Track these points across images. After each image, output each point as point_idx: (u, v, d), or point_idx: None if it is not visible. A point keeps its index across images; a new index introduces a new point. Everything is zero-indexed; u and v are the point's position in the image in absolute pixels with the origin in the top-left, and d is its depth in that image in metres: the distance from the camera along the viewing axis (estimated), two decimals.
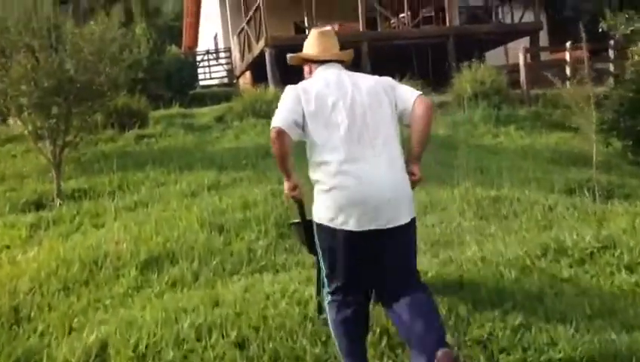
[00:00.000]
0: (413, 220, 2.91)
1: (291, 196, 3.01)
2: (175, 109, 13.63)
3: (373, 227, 2.77)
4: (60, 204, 7.31)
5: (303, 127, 2.87)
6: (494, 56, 18.57)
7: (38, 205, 7.85)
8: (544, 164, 8.85)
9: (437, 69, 16.79)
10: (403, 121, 3.01)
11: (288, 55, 3.27)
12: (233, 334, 3.29)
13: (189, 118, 12.96)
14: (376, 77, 3.10)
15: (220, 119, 12.90)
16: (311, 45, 3.19)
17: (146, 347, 3.28)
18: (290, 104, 2.88)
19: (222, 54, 24.30)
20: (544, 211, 5.80)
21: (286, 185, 2.99)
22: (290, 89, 2.98)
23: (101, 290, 4.41)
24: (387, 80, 3.08)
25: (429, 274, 4.04)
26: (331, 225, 2.81)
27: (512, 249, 4.53)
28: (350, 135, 2.81)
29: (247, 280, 4.30)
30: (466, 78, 13.17)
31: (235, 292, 3.97)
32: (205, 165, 8.80)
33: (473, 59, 14.32)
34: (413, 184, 2.99)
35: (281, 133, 2.80)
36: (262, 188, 6.58)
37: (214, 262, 4.66)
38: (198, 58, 23.67)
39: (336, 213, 2.79)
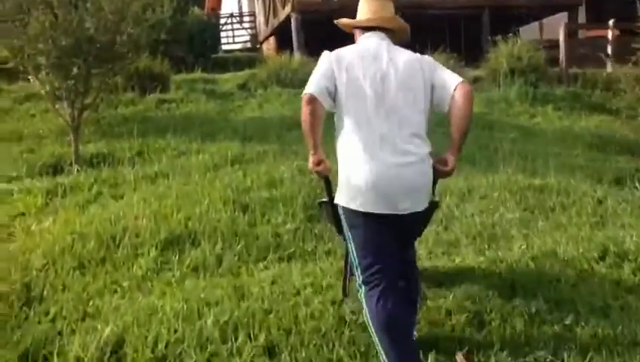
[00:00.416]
0: (426, 210, 2.79)
1: (316, 171, 2.79)
2: (197, 74, 13.21)
3: (389, 211, 2.65)
4: (77, 170, 7.01)
5: (334, 97, 2.72)
6: (528, 32, 17.83)
7: (56, 169, 7.56)
8: (585, 149, 8.34)
9: (470, 42, 16.14)
10: (441, 107, 2.80)
11: (336, 21, 3.08)
12: (262, 337, 2.96)
13: (211, 84, 12.55)
14: (418, 55, 2.88)
15: (242, 86, 12.47)
16: (359, 10, 2.98)
17: (166, 346, 2.95)
18: (323, 71, 2.74)
19: (246, 18, 23.78)
20: (594, 204, 5.37)
21: (311, 159, 2.77)
22: (325, 55, 2.82)
23: (119, 271, 4.10)
24: (429, 60, 2.87)
25: (476, 273, 3.68)
26: (351, 206, 2.69)
27: (565, 248, 4.14)
28: (377, 112, 2.67)
29: (275, 269, 3.97)
30: (502, 53, 12.57)
31: (262, 284, 3.64)
32: (228, 135, 8.43)
33: (508, 34, 13.72)
34: (444, 174, 2.77)
35: (312, 100, 2.65)
36: (288, 165, 6.21)
37: (239, 247, 4.33)
38: (222, 21, 23.14)
39: (353, 195, 2.68)
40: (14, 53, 7.23)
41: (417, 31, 14.76)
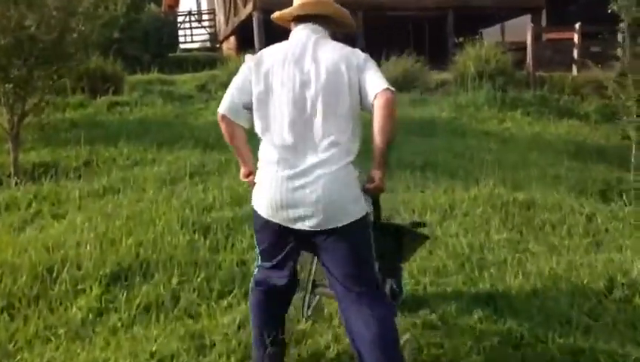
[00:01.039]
0: (353, 224, 2.40)
1: (249, 183, 2.61)
2: (153, 75, 12.49)
3: (299, 227, 2.42)
4: (16, 183, 6.29)
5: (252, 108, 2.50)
6: (491, 35, 17.66)
7: None
8: (561, 157, 8.02)
9: (435, 44, 15.87)
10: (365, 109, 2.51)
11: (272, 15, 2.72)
12: None
13: (168, 85, 11.87)
14: (349, 51, 2.51)
15: (202, 88, 11.85)
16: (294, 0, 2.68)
17: None
18: (240, 82, 2.54)
19: (205, 16, 23.01)
20: (584, 222, 5.00)
21: (242, 171, 2.66)
22: (246, 61, 2.58)
23: (55, 313, 3.47)
24: (359, 58, 2.48)
25: (470, 321, 3.20)
26: (262, 214, 2.49)
27: (565, 278, 3.72)
28: (291, 124, 2.41)
29: (241, 308, 3.41)
30: (469, 56, 12.26)
31: (226, 331, 3.09)
32: (187, 143, 7.80)
33: (473, 36, 13.44)
34: (372, 191, 2.46)
35: (224, 119, 2.52)
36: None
37: (199, 279, 3.75)
38: (180, 19, 22.33)
39: (263, 207, 2.47)
40: None
41: (380, 33, 14.36)
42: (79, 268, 3.89)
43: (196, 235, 4.38)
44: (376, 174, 2.41)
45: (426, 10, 15.83)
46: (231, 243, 4.31)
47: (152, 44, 16.81)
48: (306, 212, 2.37)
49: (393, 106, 2.35)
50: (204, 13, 22.95)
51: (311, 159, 2.38)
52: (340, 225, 2.38)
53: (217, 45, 21.19)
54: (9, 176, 6.71)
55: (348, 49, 2.52)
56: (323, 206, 2.35)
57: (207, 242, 4.28)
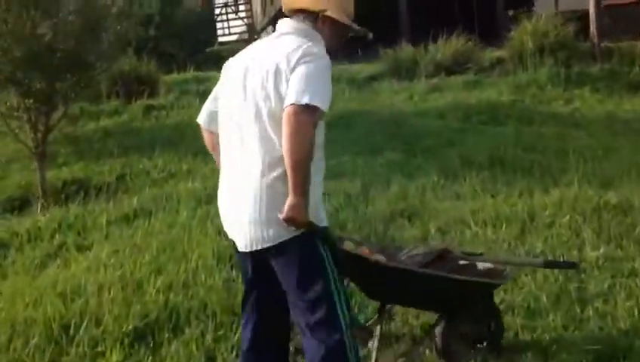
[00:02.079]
0: (285, 245, 2.13)
1: None
2: (189, 73, 11.92)
3: (243, 248, 2.23)
4: (42, 207, 5.82)
5: None
6: (542, 6, 16.40)
7: (23, 203, 6.41)
8: None
9: (485, 20, 14.78)
10: None
11: None
12: None
13: (205, 84, 11.25)
14: (292, 48, 2.13)
15: None
16: None
17: None
18: (214, 90, 2.41)
19: (241, 7, 22.42)
20: None
21: None
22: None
23: None
24: (298, 58, 2.09)
25: None
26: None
27: None
28: (228, 136, 2.26)
29: None
30: (525, 30, 11.24)
31: None
32: None
33: (525, 8, 12.41)
34: (286, 222, 2.05)
35: (202, 129, 2.44)
36: None
37: (236, 335, 3.11)
38: (216, 12, 21.82)
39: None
40: None
41: (425, 13, 13.33)
42: (99, 323, 3.30)
43: (234, 272, 3.74)
44: (286, 203, 2.02)
45: None
46: None
47: (188, 40, 16.34)
48: None
49: (295, 124, 1.99)
50: (241, 4, 22.36)
51: (241, 175, 2.27)
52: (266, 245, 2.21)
53: (255, 37, 20.62)
54: (38, 197, 6.27)
55: (291, 48, 2.12)
56: None
57: None
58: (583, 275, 3.59)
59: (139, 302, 3.44)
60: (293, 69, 2.06)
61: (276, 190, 2.10)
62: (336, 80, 10.86)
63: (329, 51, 2.22)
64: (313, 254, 2.14)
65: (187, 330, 3.20)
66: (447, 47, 11.37)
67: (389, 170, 5.99)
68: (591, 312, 3.16)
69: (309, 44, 2.13)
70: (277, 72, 2.09)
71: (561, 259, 3.31)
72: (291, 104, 2.00)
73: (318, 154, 2.14)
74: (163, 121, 9.20)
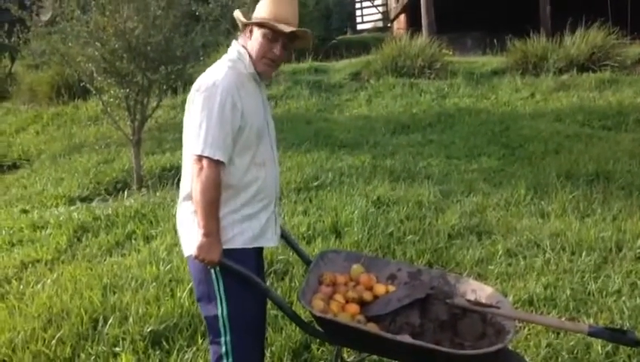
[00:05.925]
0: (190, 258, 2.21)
1: None
2: (307, 63, 11.88)
3: None
4: (136, 190, 6.12)
5: None
6: None
7: (125, 185, 6.74)
8: None
9: (637, 10, 13.20)
10: None
11: None
12: None
13: (320, 74, 11.20)
14: (209, 75, 2.18)
15: (355, 76, 11.01)
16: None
17: None
18: None
19: None
20: None
21: None
22: None
23: None
24: (200, 88, 2.15)
25: None
26: None
27: None
28: None
29: None
30: None
31: None
32: (318, 142, 7.11)
33: None
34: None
35: None
36: (365, 196, 4.72)
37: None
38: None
39: None
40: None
41: (572, 2, 11.95)
42: (123, 321, 3.33)
43: (274, 280, 3.60)
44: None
45: None
46: None
47: (319, 27, 16.32)
48: None
49: (196, 171, 2.10)
50: None
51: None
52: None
53: (389, 25, 20.24)
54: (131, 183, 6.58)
55: (209, 74, 2.18)
56: None
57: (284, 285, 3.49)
58: None
59: (164, 305, 3.43)
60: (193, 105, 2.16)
61: (186, 210, 2.22)
62: (452, 75, 10.29)
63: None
64: (206, 277, 2.18)
65: (201, 342, 3.11)
66: (585, 40, 10.29)
67: (477, 178, 5.49)
68: None
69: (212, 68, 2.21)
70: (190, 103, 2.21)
71: (625, 327, 2.59)
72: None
73: (239, 182, 2.18)
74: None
